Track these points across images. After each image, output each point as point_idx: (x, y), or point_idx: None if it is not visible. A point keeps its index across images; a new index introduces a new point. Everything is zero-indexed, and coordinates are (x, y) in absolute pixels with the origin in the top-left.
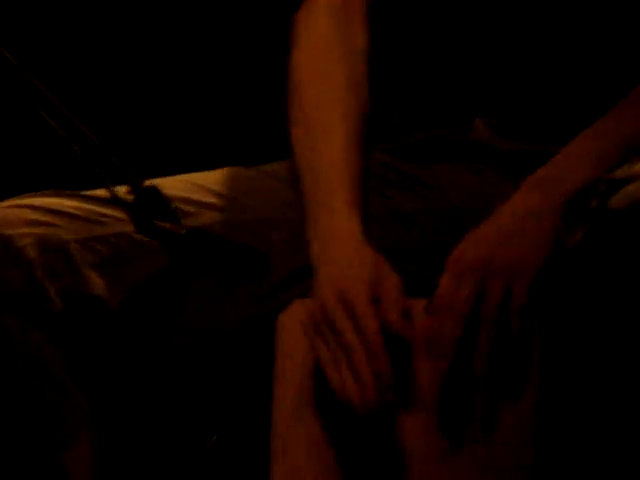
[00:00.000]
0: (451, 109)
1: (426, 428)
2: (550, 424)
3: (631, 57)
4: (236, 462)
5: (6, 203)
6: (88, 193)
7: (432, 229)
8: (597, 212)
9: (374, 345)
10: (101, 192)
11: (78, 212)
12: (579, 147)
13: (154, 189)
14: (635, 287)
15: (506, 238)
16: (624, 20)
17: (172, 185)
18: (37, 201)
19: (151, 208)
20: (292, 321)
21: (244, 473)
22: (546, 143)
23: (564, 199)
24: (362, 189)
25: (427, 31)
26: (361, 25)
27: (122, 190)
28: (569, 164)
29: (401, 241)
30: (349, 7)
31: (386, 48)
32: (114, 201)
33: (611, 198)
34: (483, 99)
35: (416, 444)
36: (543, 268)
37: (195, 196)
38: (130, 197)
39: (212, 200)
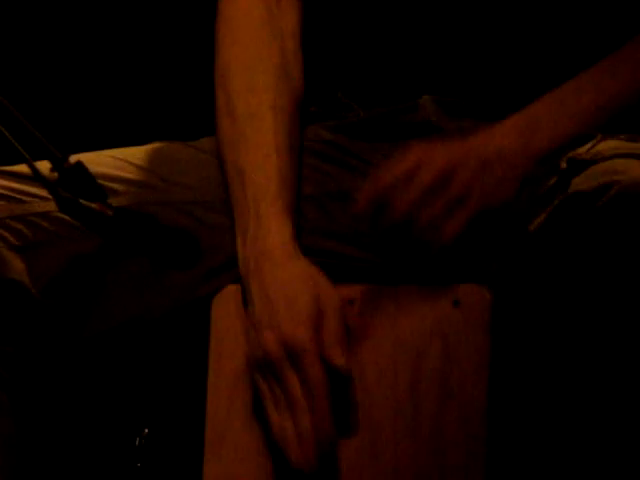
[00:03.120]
0: (397, 85)
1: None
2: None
3: (583, 32)
4: (168, 457)
5: None
6: (7, 169)
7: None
8: (558, 192)
9: (320, 404)
10: (22, 168)
11: None
12: (560, 100)
13: (79, 165)
14: (601, 272)
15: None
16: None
17: (99, 161)
18: None
19: (76, 186)
20: (226, 305)
21: (177, 468)
22: (493, 119)
23: (540, 155)
24: (294, 190)
25: (371, 5)
26: (291, 3)
27: (45, 166)
28: (550, 119)
29: (339, 222)
30: None
31: (327, 22)
32: (36, 178)
33: (574, 178)
34: (430, 75)
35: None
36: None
37: (123, 173)
38: (53, 174)
39: (142, 178)
